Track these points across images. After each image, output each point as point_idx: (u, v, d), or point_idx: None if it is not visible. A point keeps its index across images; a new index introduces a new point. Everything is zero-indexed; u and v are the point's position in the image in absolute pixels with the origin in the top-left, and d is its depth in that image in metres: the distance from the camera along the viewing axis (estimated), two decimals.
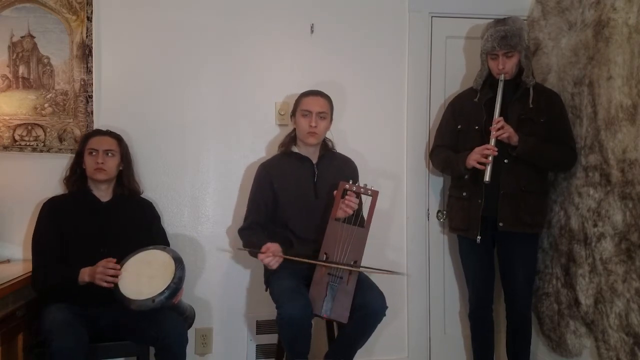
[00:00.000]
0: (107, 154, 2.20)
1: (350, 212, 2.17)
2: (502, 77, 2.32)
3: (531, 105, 2.33)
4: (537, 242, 2.50)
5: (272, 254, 2.07)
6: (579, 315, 2.35)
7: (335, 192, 2.20)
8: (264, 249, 2.08)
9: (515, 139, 2.26)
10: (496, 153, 2.23)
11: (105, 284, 1.97)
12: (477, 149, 2.28)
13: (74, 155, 2.32)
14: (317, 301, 2.07)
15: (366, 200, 2.25)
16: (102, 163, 2.17)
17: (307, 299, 2.05)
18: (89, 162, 2.18)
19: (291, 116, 2.38)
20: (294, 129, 2.37)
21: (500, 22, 2.36)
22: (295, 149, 2.37)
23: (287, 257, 2.09)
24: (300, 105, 2.31)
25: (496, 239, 2.44)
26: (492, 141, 2.25)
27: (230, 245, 2.62)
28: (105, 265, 1.98)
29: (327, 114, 2.31)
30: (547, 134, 2.33)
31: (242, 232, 2.31)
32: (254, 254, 2.15)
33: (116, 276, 1.98)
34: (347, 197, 2.18)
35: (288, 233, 2.27)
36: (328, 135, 2.41)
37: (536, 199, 2.37)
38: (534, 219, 2.35)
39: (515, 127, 2.27)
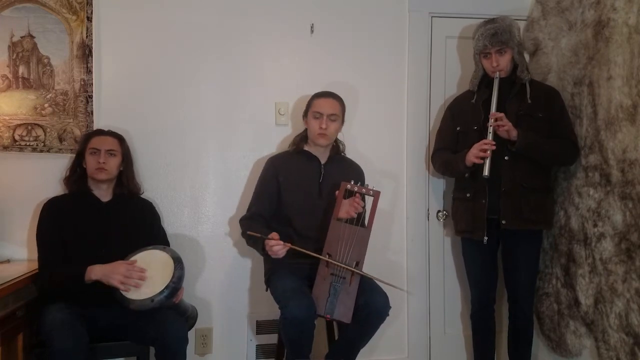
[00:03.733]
0: (109, 154, 2.20)
1: (354, 214, 2.17)
2: (497, 74, 2.33)
3: (529, 101, 2.34)
4: (540, 241, 2.49)
5: (282, 242, 2.07)
6: (579, 315, 2.35)
7: (336, 192, 2.21)
8: (272, 235, 2.08)
9: (514, 134, 2.25)
10: (494, 147, 2.23)
11: (121, 286, 1.96)
12: (475, 145, 2.28)
13: (74, 155, 2.32)
14: (320, 301, 2.07)
15: (367, 200, 2.26)
16: (104, 163, 2.17)
17: (310, 299, 2.05)
18: (90, 162, 2.18)
19: (303, 116, 2.39)
20: (305, 129, 2.38)
21: (489, 21, 2.38)
22: (305, 147, 2.39)
23: (295, 247, 2.09)
24: (312, 106, 2.32)
25: (500, 239, 2.44)
26: (490, 136, 2.25)
27: (230, 235, 2.62)
28: (130, 268, 1.99)
29: (338, 117, 2.33)
30: (547, 129, 2.33)
31: (243, 221, 2.31)
32: (257, 243, 2.13)
33: (141, 279, 1.99)
34: (354, 199, 2.18)
35: (290, 230, 2.27)
36: (340, 137, 2.43)
37: (538, 196, 2.36)
38: (536, 215, 2.35)
39: (514, 124, 2.27)
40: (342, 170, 2.38)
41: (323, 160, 2.37)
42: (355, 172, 2.43)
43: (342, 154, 2.47)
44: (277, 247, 2.06)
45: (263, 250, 2.12)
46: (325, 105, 2.30)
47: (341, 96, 2.39)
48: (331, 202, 2.25)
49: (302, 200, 2.29)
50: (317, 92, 2.39)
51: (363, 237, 2.17)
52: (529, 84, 2.37)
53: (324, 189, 2.32)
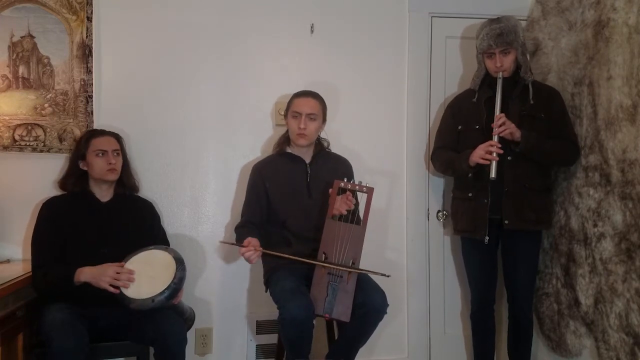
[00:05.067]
0: (116, 154, 2.21)
1: (344, 211, 2.16)
2: (500, 74, 2.32)
3: (532, 102, 2.34)
4: (540, 240, 2.49)
5: (253, 248, 2.07)
6: (579, 315, 2.35)
7: (330, 190, 2.20)
8: (245, 242, 2.09)
9: (517, 135, 2.25)
10: (501, 151, 2.23)
11: (111, 289, 1.96)
12: (481, 146, 2.27)
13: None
14: (318, 301, 2.07)
15: (362, 197, 2.25)
16: (115, 163, 2.19)
17: (308, 299, 2.05)
18: (98, 164, 2.17)
19: (284, 116, 2.38)
20: (287, 130, 2.38)
21: (494, 20, 2.37)
22: (288, 149, 2.38)
23: (266, 251, 2.10)
24: (291, 106, 2.32)
25: (500, 238, 2.44)
26: (495, 138, 2.25)
27: (230, 235, 2.61)
28: (119, 270, 1.98)
29: (318, 115, 2.30)
30: (548, 130, 2.33)
31: (237, 229, 2.32)
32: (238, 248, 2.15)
33: (128, 281, 1.99)
34: (345, 195, 2.18)
35: (286, 232, 2.27)
36: (323, 135, 2.42)
37: (540, 196, 2.37)
38: (538, 216, 2.35)
39: (516, 124, 2.27)
40: (329, 167, 2.37)
41: (308, 160, 2.36)
42: (342, 166, 2.42)
43: (327, 149, 2.46)
44: (248, 253, 2.07)
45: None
46: (304, 105, 2.28)
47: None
48: (325, 201, 2.25)
49: (291, 202, 2.29)
50: (296, 91, 2.38)
51: (358, 235, 2.17)
52: (531, 85, 2.37)
53: (312, 188, 2.32)
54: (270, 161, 2.39)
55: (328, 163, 2.40)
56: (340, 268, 2.11)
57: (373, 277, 2.21)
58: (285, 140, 2.39)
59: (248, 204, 2.34)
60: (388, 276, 2.13)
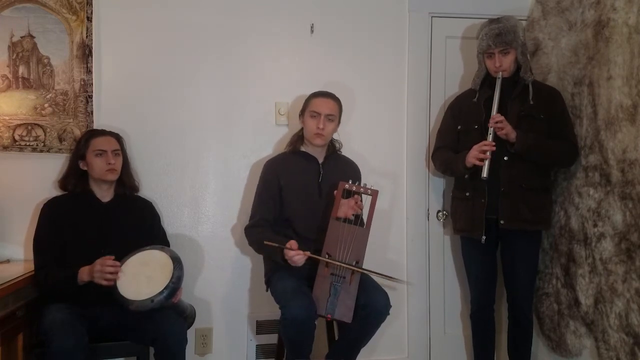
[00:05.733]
0: (115, 154, 2.21)
1: (351, 215, 2.17)
2: (499, 74, 2.33)
3: (531, 102, 2.34)
4: (539, 240, 2.49)
5: (301, 252, 2.05)
6: (579, 315, 2.35)
7: (335, 191, 2.21)
8: (288, 245, 2.06)
9: (513, 136, 2.26)
10: (494, 148, 2.23)
11: (104, 282, 1.97)
12: (475, 146, 2.28)
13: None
14: (320, 301, 2.07)
15: (366, 200, 2.26)
16: (114, 163, 2.18)
17: (310, 299, 2.05)
18: (98, 164, 2.17)
19: (300, 115, 2.38)
20: (302, 129, 2.38)
21: (494, 21, 2.38)
22: (302, 148, 2.38)
23: (313, 256, 2.07)
24: (310, 105, 2.32)
25: (499, 239, 2.44)
26: (490, 137, 2.25)
27: (235, 244, 2.62)
28: (103, 263, 1.98)
29: (335, 117, 2.32)
30: (548, 131, 2.33)
31: (248, 230, 2.30)
32: (273, 252, 2.11)
33: (116, 273, 1.98)
34: (355, 200, 2.18)
35: (289, 230, 2.27)
36: (335, 136, 2.42)
37: (537, 196, 2.36)
38: (535, 216, 2.35)
39: (515, 124, 2.27)
40: (340, 169, 2.38)
41: (320, 160, 2.37)
42: (352, 170, 2.43)
43: (339, 152, 2.47)
44: (298, 257, 2.05)
45: (282, 259, 2.10)
46: (323, 105, 2.29)
47: (341, 96, 2.38)
48: (330, 202, 2.25)
49: (303, 201, 2.29)
50: (314, 91, 2.38)
51: (362, 236, 2.17)
52: (531, 85, 2.37)
53: (323, 188, 2.32)
54: (284, 158, 2.39)
55: (339, 165, 2.41)
56: (361, 270, 2.11)
57: (375, 278, 2.21)
58: (299, 139, 2.39)
59: (261, 202, 2.32)
60: (408, 283, 2.10)
